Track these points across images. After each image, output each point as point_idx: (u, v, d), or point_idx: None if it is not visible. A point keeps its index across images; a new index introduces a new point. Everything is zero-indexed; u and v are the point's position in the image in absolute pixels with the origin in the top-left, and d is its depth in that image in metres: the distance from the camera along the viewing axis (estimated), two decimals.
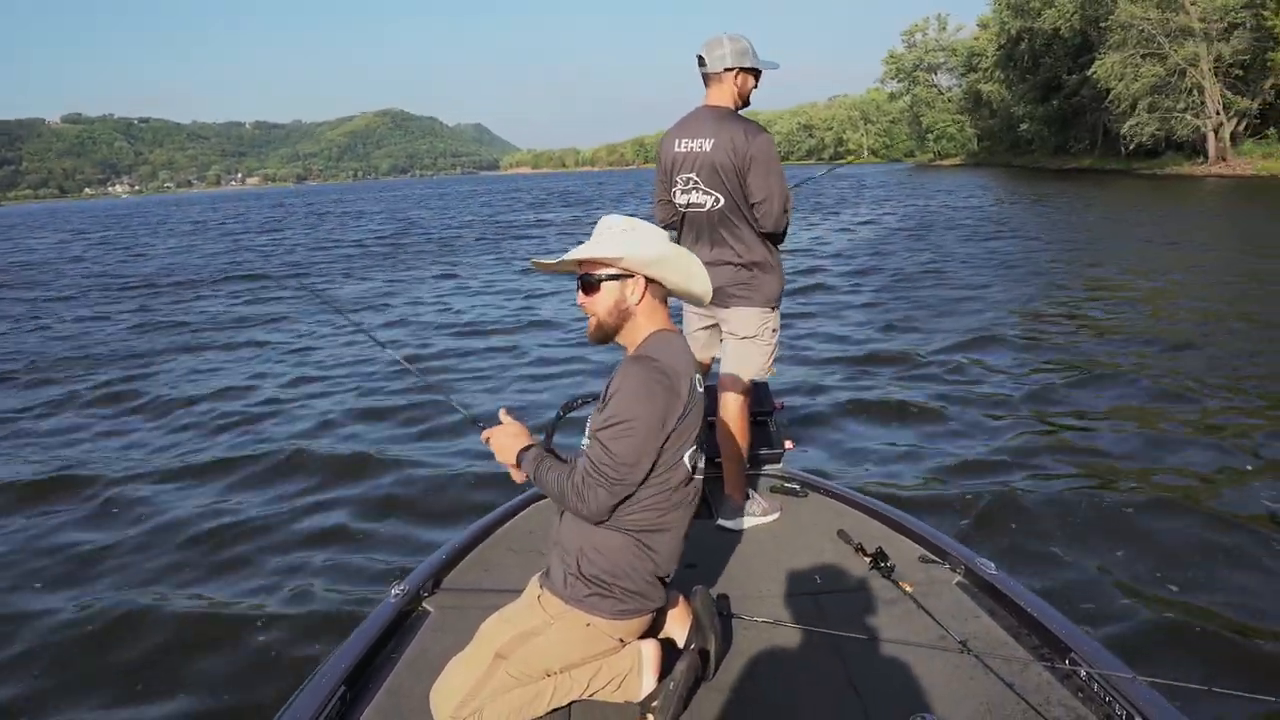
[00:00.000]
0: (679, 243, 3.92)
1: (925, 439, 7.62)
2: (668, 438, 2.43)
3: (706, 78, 3.89)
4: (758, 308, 3.94)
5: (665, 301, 2.63)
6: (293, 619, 4.96)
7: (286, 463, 7.65)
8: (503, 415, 2.76)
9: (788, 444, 4.67)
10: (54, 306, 19.00)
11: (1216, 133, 51.80)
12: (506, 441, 2.67)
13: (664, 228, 4.05)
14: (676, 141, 3.93)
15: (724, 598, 3.24)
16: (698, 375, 2.58)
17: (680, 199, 3.97)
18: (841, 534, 3.73)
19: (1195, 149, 54.02)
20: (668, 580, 2.63)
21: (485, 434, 2.73)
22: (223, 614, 5.09)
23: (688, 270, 2.61)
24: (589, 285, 2.55)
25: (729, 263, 3.88)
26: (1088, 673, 2.58)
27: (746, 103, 3.96)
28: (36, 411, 10.09)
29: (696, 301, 2.71)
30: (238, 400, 10.05)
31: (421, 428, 8.55)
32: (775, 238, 3.92)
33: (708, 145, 3.81)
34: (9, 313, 18.25)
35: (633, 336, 2.58)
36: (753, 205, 3.80)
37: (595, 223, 2.67)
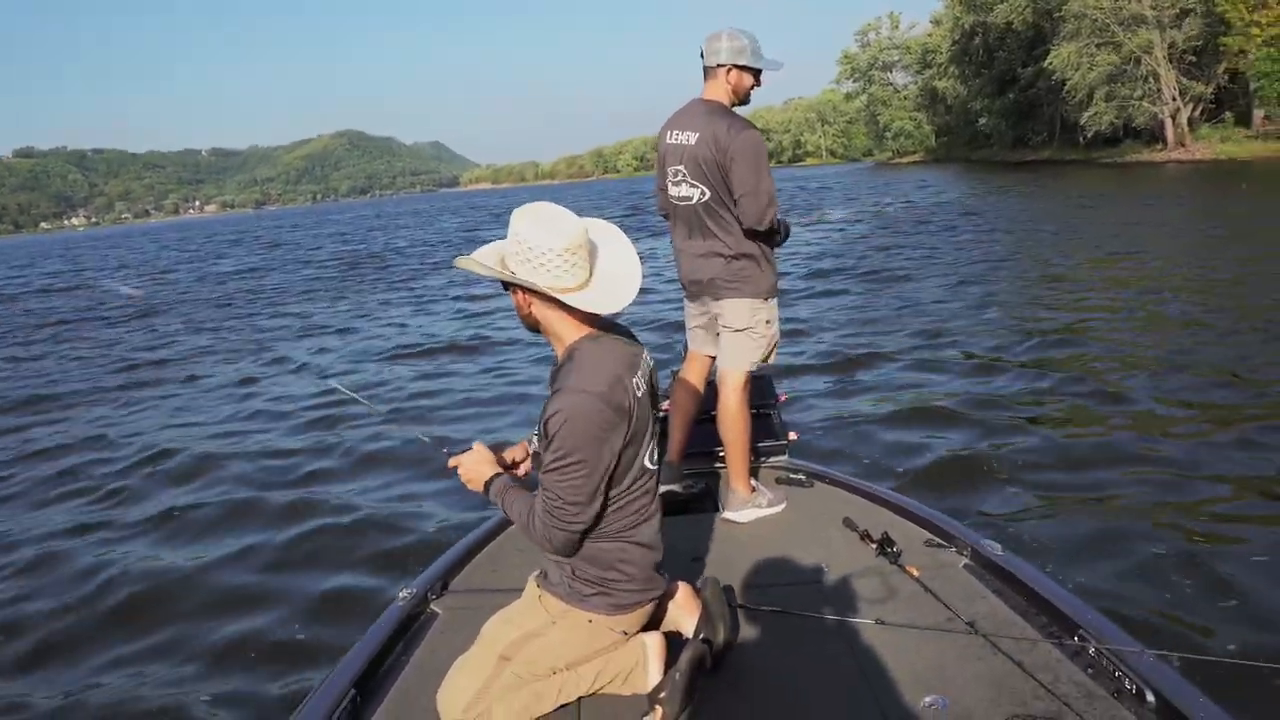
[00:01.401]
0: (672, 236, 4.08)
1: (929, 426, 7.62)
2: (620, 457, 2.38)
3: (705, 71, 3.89)
4: (748, 299, 3.92)
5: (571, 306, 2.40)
6: (301, 624, 5.06)
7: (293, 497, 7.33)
8: (476, 444, 2.70)
9: (792, 435, 4.68)
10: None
11: (1174, 119, 52.04)
12: (473, 469, 2.63)
13: (664, 216, 4.16)
14: (668, 134, 3.96)
15: (730, 588, 3.21)
16: (640, 371, 2.49)
17: (672, 191, 3.97)
18: (847, 521, 3.72)
19: (1154, 136, 54.19)
20: (661, 567, 2.62)
21: (453, 461, 2.68)
22: (230, 620, 5.17)
23: (566, 277, 2.36)
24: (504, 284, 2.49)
25: (719, 254, 3.89)
26: (1096, 648, 2.59)
27: (744, 100, 3.95)
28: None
29: (605, 310, 2.44)
30: (182, 438, 9.45)
31: (392, 463, 7.89)
32: (761, 234, 3.87)
33: (692, 139, 3.82)
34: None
35: (554, 341, 2.49)
36: (735, 200, 3.77)
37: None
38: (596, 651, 2.56)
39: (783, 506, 4.01)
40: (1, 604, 5.69)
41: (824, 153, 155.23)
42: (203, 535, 6.58)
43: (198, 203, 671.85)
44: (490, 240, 2.59)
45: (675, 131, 3.91)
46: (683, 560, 3.50)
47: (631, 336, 2.59)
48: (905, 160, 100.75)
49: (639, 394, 2.44)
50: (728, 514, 3.99)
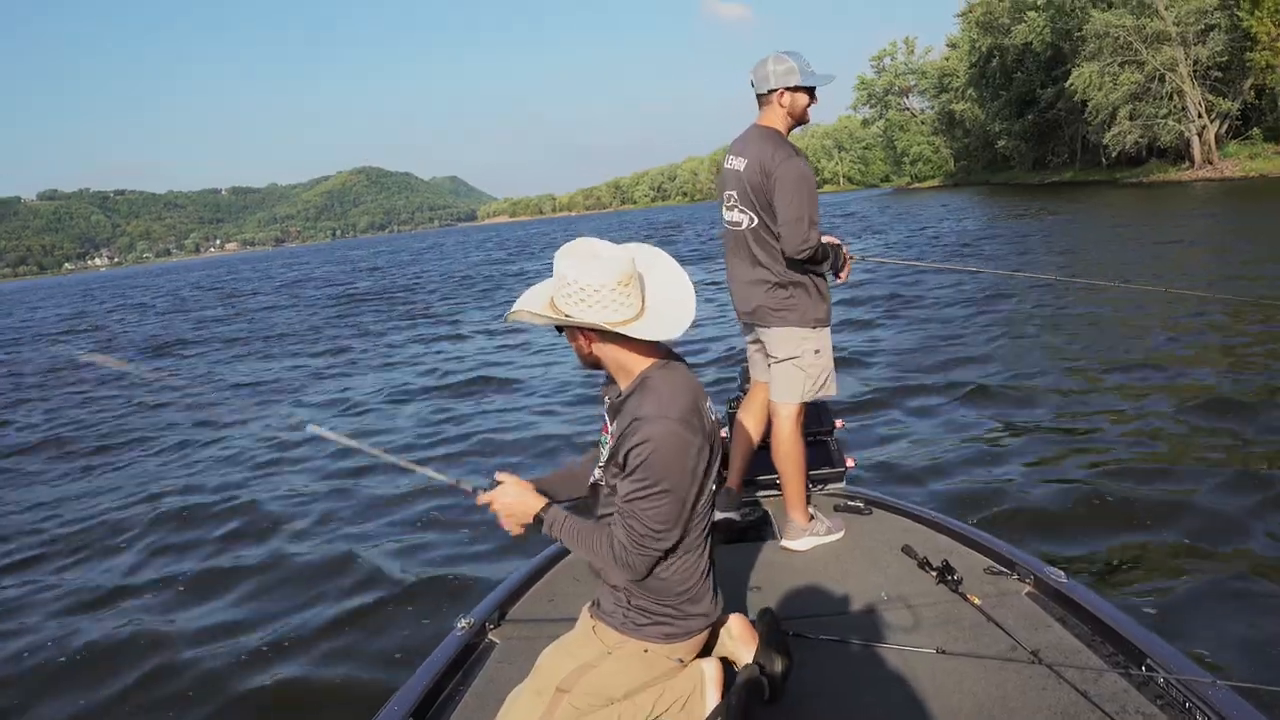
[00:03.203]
0: (726, 261, 4.08)
1: (988, 453, 7.44)
2: (700, 485, 2.36)
3: (758, 99, 3.87)
4: (795, 327, 3.89)
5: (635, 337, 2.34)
6: (360, 653, 5.08)
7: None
8: (500, 475, 2.59)
9: (850, 462, 4.63)
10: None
11: (1200, 136, 51.27)
12: (514, 505, 2.53)
13: None
14: (727, 159, 3.98)
15: (789, 618, 3.15)
16: (708, 399, 2.46)
17: (725, 216, 3.99)
18: (906, 549, 3.68)
19: (1179, 154, 53.43)
20: (716, 592, 2.58)
21: (484, 498, 2.57)
22: (292, 649, 5.20)
23: (623, 309, 2.31)
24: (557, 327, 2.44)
25: (765, 281, 3.88)
26: (1165, 679, 2.51)
27: (802, 120, 3.91)
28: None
29: (665, 337, 2.36)
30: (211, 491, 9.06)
31: (412, 509, 7.60)
32: (799, 264, 3.80)
33: (742, 165, 3.84)
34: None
35: (620, 374, 2.43)
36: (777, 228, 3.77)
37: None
38: (653, 680, 2.52)
39: (841, 534, 3.99)
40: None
41: (841, 179, 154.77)
42: (231, 585, 6.41)
43: (219, 241, 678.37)
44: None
45: (731, 157, 3.93)
46: (740, 589, 3.52)
47: (687, 365, 2.51)
48: (924, 185, 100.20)
49: (713, 418, 2.44)
50: (785, 542, 3.97)
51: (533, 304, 2.40)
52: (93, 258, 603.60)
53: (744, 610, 2.83)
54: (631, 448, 2.28)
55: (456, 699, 2.85)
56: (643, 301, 2.37)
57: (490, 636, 3.27)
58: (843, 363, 10.98)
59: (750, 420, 4.23)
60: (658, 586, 2.43)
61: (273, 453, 10.15)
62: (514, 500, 2.53)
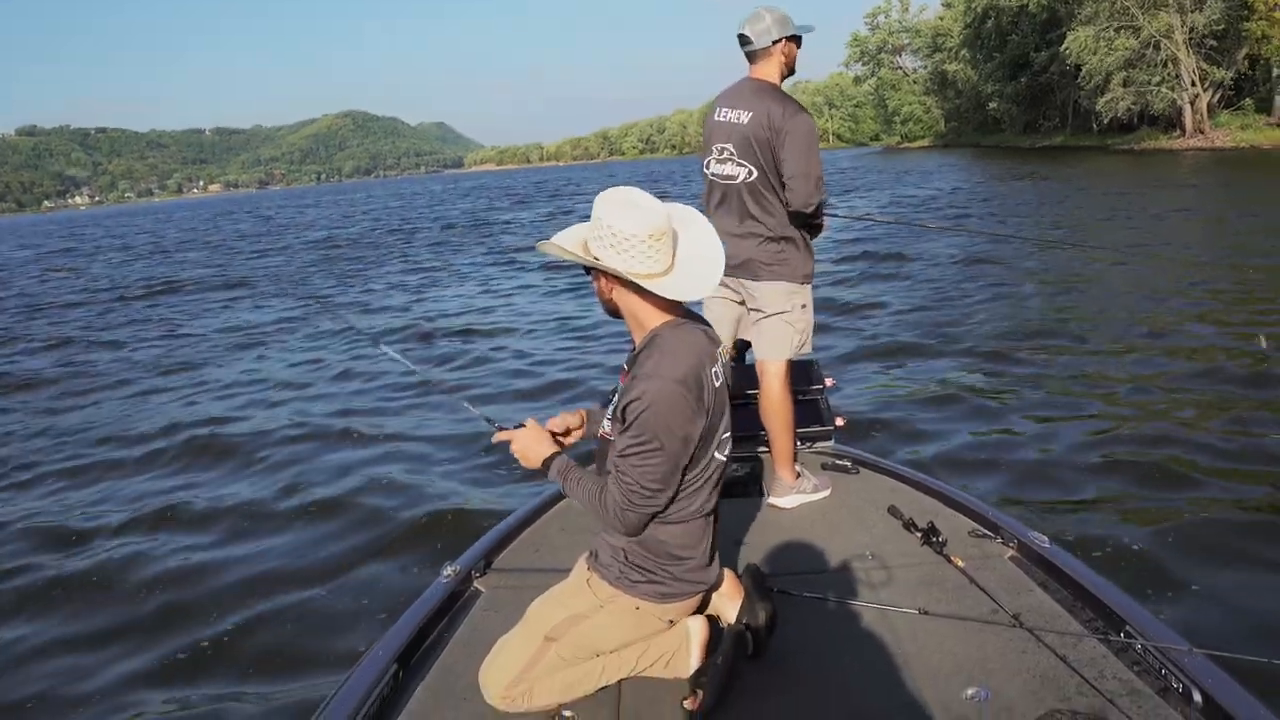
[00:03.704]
0: (707, 214, 3.81)
1: (978, 416, 7.50)
2: (697, 446, 2.37)
3: (753, 54, 3.86)
4: (787, 282, 3.89)
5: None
6: (343, 599, 5.11)
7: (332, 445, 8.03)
8: (528, 421, 2.67)
9: (839, 421, 4.62)
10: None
11: (1193, 105, 51.13)
12: (529, 447, 2.60)
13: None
14: (717, 111, 3.91)
15: (775, 575, 3.13)
16: (719, 363, 2.47)
17: (714, 169, 3.93)
18: (892, 509, 3.70)
19: (1171, 122, 53.29)
20: (714, 558, 2.61)
21: (502, 435, 2.67)
22: (275, 594, 5.21)
23: (650, 262, 2.32)
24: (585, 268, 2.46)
25: (757, 235, 3.86)
26: (1143, 645, 2.55)
27: (793, 70, 3.93)
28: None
29: (687, 297, 2.42)
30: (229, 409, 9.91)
31: (437, 432, 8.28)
32: (802, 218, 3.84)
33: (745, 118, 3.78)
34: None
35: (635, 326, 2.46)
36: (784, 181, 3.75)
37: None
38: (641, 636, 2.56)
39: (828, 493, 4.01)
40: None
41: (831, 137, 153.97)
42: (243, 506, 6.67)
43: (202, 182, 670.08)
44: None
45: (725, 109, 3.87)
46: (727, 545, 3.51)
47: (707, 326, 2.53)
48: (914, 145, 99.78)
49: (716, 385, 2.44)
50: (772, 499, 3.99)
51: (566, 240, 2.42)
52: (73, 196, 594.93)
53: (730, 566, 2.90)
54: (629, 403, 2.30)
55: (441, 646, 2.87)
56: (672, 260, 2.38)
57: (476, 585, 3.28)
58: (834, 321, 11.19)
59: None
60: (657, 547, 2.45)
61: (262, 393, 10.34)
62: (529, 443, 2.59)
